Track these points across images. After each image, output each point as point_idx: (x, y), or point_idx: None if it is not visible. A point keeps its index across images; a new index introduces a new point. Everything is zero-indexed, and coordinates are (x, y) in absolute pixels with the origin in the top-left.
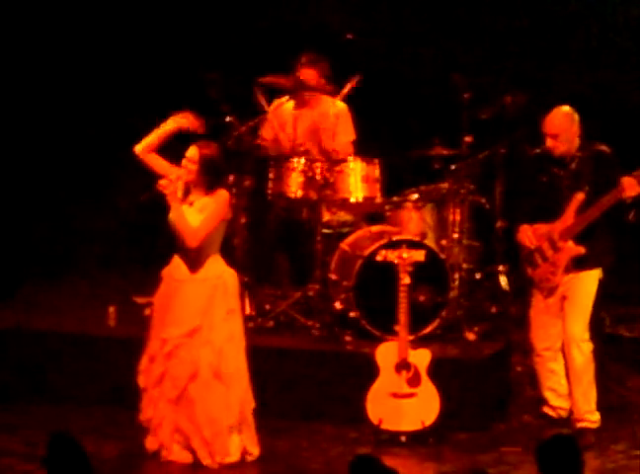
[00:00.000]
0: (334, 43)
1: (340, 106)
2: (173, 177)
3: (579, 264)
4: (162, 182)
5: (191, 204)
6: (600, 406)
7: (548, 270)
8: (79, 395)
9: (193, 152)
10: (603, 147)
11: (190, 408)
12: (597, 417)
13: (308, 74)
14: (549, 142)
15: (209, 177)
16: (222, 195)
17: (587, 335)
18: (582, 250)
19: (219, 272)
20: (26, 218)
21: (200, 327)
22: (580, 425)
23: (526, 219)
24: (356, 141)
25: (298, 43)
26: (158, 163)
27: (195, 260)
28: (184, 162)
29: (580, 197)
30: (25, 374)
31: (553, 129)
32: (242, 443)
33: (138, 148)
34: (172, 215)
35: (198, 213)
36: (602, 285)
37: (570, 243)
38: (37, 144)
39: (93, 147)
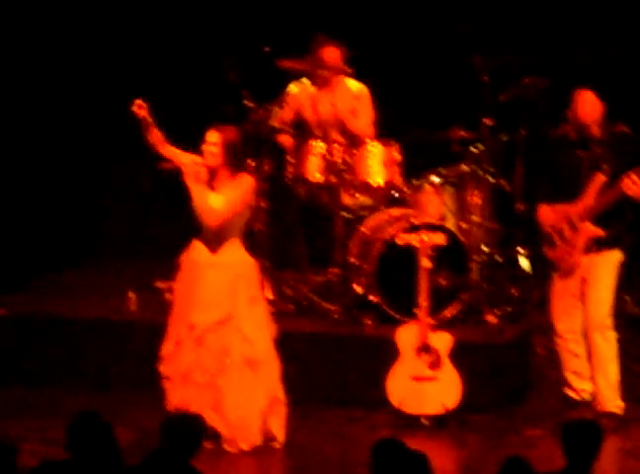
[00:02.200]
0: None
1: (359, 87)
2: (197, 160)
3: (598, 245)
4: (182, 159)
5: (215, 190)
6: (622, 389)
7: (566, 250)
8: (98, 380)
9: (214, 136)
10: (624, 128)
11: (217, 395)
12: (620, 403)
13: (332, 52)
14: (593, 129)
15: (232, 160)
16: (247, 180)
17: (609, 321)
18: (600, 231)
19: (240, 258)
20: (44, 204)
21: (229, 315)
22: (603, 409)
23: (546, 200)
24: (375, 123)
25: (314, 26)
26: (176, 153)
27: (214, 242)
28: (205, 147)
29: (600, 178)
30: (44, 360)
31: (592, 116)
32: (268, 430)
33: (152, 146)
34: (193, 196)
35: (221, 198)
36: (624, 266)
37: (588, 224)
38: (51, 125)
39: (108, 129)
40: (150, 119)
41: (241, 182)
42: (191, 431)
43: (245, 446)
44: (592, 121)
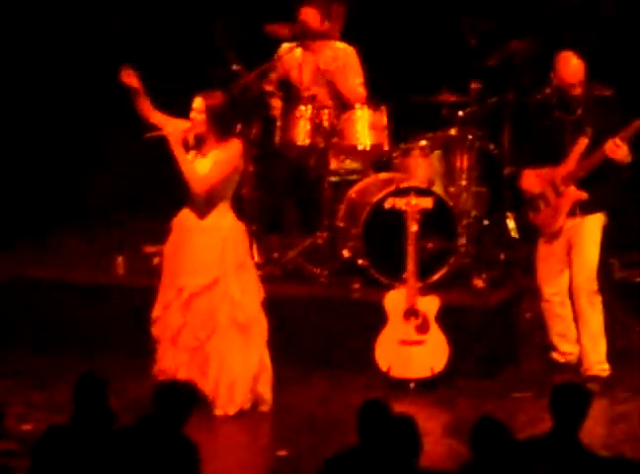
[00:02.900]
0: None
1: (346, 48)
2: (182, 127)
3: (583, 208)
4: (168, 128)
5: (204, 156)
6: (608, 352)
7: (550, 214)
8: (85, 345)
9: (199, 103)
10: (606, 91)
11: (205, 358)
12: (605, 366)
13: (308, 13)
14: (576, 90)
15: (218, 126)
16: (235, 144)
17: (595, 285)
18: (584, 195)
19: (230, 223)
20: (32, 167)
21: (217, 279)
22: (588, 373)
23: (530, 164)
24: (366, 83)
25: None
26: (165, 121)
27: (203, 208)
28: (192, 114)
29: (583, 141)
30: (31, 324)
31: (572, 78)
32: (257, 393)
33: (140, 113)
34: (180, 164)
35: (209, 163)
36: (610, 230)
37: (572, 188)
38: (39, 88)
39: (96, 92)
40: (139, 87)
41: (228, 146)
42: (183, 398)
43: (232, 411)
44: (575, 82)
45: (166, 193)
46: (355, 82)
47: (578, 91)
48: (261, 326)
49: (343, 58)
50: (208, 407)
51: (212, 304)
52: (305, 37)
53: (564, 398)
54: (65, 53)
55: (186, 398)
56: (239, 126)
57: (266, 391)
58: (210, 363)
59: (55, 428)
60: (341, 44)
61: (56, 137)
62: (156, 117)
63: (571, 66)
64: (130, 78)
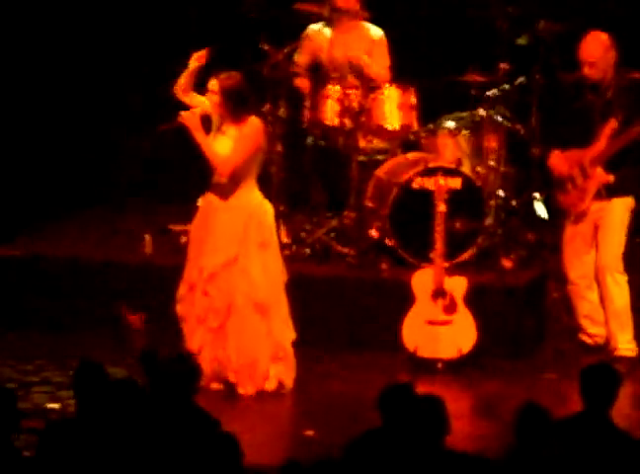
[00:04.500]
0: None
1: (376, 31)
2: (196, 110)
3: (610, 191)
4: (183, 113)
5: (223, 134)
6: (636, 332)
7: (577, 195)
8: (112, 322)
9: (213, 84)
10: (638, 75)
11: (226, 337)
12: (633, 346)
13: None
14: (586, 69)
15: (234, 106)
16: (253, 122)
17: (620, 265)
18: (611, 178)
19: (255, 202)
20: (59, 144)
21: (237, 257)
22: (616, 353)
23: (559, 145)
24: (392, 67)
25: None
26: (198, 101)
27: (228, 189)
28: (207, 95)
29: (613, 124)
30: (59, 303)
31: (590, 57)
32: (278, 374)
33: (176, 91)
34: (202, 148)
35: (230, 142)
36: (636, 214)
37: (599, 170)
38: (59, 75)
39: (125, 75)
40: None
41: (247, 125)
42: (183, 371)
43: (250, 390)
44: (591, 61)
45: (195, 171)
46: (382, 65)
47: (592, 72)
48: (281, 308)
49: (372, 41)
50: (230, 386)
51: (231, 282)
52: (337, 16)
53: (594, 379)
54: (95, 31)
55: (186, 370)
56: (267, 106)
57: (285, 373)
58: (229, 343)
59: (58, 423)
60: (371, 27)
61: (85, 116)
62: (191, 96)
63: (589, 45)
64: (201, 59)
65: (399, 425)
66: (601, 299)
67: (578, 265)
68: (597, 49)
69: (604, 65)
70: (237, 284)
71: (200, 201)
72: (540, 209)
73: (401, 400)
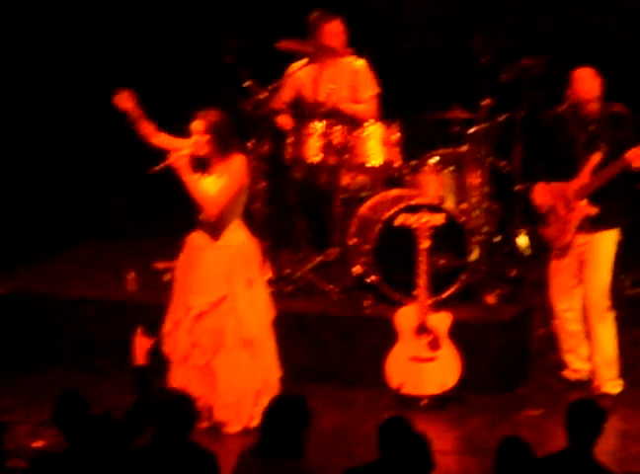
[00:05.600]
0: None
1: (359, 63)
2: (184, 151)
3: (595, 224)
4: (172, 156)
5: (209, 174)
6: (620, 369)
7: (559, 228)
8: (97, 361)
9: (198, 125)
10: (621, 108)
11: (213, 375)
12: (617, 383)
13: (336, 26)
14: (590, 106)
15: (220, 143)
16: (238, 159)
17: (607, 302)
18: (594, 210)
19: (241, 240)
20: (44, 183)
21: (225, 296)
22: (602, 390)
23: (543, 179)
24: (380, 95)
25: (311, 3)
26: (169, 142)
27: (215, 228)
28: (193, 137)
29: (596, 157)
30: (42, 340)
31: (589, 94)
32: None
33: (145, 140)
34: (189, 188)
35: (217, 181)
36: (622, 247)
37: (583, 202)
38: (50, 109)
39: (110, 107)
40: (137, 111)
41: (232, 163)
42: (184, 411)
43: (237, 428)
44: (591, 98)
45: (180, 208)
46: (368, 94)
47: (594, 107)
48: (268, 344)
49: (358, 74)
50: (216, 424)
51: (219, 321)
52: (322, 53)
53: (579, 415)
54: (79, 70)
55: (186, 411)
56: (250, 143)
57: None
58: (217, 380)
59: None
60: (355, 60)
61: (70, 154)
62: (161, 139)
63: (588, 83)
64: (126, 102)
65: (395, 459)
66: (588, 335)
67: (563, 298)
68: (595, 85)
69: (600, 98)
70: (226, 322)
71: (186, 240)
72: (524, 245)
73: (400, 433)
